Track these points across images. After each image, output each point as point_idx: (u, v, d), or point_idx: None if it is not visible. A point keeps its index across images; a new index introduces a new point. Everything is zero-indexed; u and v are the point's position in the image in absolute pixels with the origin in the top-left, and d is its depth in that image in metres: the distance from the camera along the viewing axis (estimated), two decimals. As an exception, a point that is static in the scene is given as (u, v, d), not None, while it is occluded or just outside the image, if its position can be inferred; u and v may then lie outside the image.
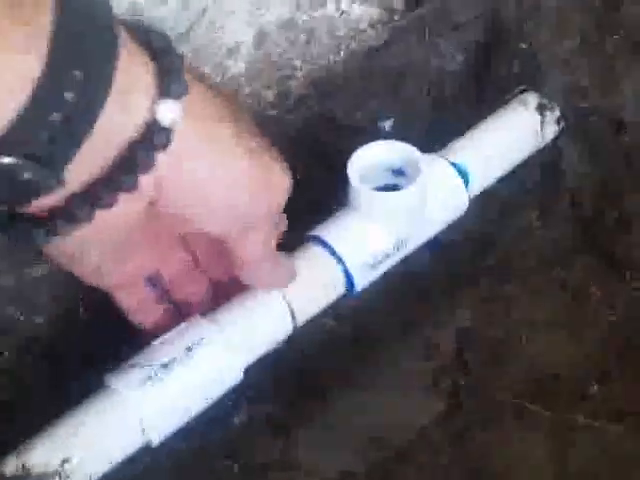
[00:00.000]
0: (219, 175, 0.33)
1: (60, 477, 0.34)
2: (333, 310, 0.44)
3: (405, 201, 0.42)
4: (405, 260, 0.45)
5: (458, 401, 0.43)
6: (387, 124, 0.51)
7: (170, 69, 0.30)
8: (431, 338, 0.45)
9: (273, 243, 0.38)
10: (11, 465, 0.34)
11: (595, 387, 0.42)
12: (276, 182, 0.35)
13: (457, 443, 0.41)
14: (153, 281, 0.40)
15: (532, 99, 0.50)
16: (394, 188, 0.43)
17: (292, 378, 0.43)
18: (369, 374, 0.44)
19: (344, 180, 0.43)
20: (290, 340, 0.42)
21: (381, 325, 0.46)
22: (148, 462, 0.39)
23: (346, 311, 0.45)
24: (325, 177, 0.49)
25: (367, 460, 0.41)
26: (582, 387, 0.42)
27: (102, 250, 0.35)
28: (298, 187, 0.49)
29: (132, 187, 0.31)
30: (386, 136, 0.45)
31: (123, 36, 0.29)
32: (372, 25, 0.51)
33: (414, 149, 0.43)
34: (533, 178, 0.52)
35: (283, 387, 0.43)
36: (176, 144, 0.31)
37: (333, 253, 0.42)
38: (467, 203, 0.46)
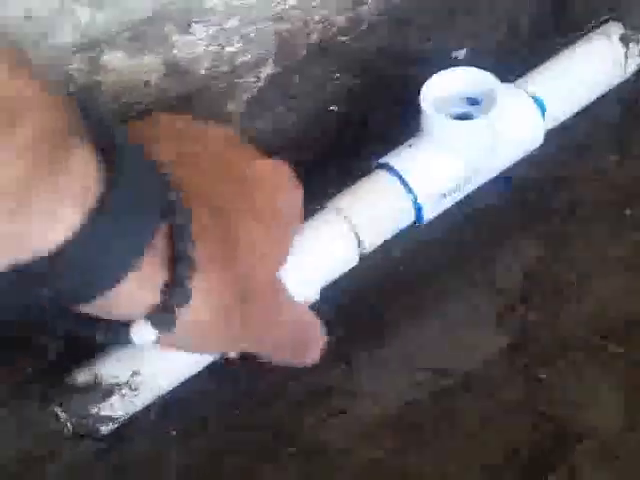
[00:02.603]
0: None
1: (130, 388, 0.35)
2: (400, 242, 0.44)
3: (479, 130, 0.41)
4: (475, 195, 0.44)
5: (524, 337, 0.42)
6: (460, 54, 0.49)
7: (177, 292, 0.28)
8: (498, 274, 0.44)
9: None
10: (83, 375, 0.35)
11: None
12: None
13: (521, 378, 0.41)
14: None
15: (615, 29, 0.47)
16: (468, 117, 0.42)
17: (357, 307, 0.43)
18: (434, 307, 0.44)
19: (415, 110, 0.42)
20: (356, 269, 0.41)
21: (447, 259, 0.45)
22: (211, 380, 0.39)
23: (413, 244, 0.45)
24: (395, 107, 0.47)
25: (428, 391, 0.41)
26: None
27: None
28: (368, 117, 0.48)
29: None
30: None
31: (154, 239, 0.27)
32: (448, -49, 0.49)
33: (491, 76, 0.42)
34: (612, 115, 0.50)
35: (347, 315, 0.43)
36: None
37: (402, 181, 0.41)
38: (543, 136, 0.45)
